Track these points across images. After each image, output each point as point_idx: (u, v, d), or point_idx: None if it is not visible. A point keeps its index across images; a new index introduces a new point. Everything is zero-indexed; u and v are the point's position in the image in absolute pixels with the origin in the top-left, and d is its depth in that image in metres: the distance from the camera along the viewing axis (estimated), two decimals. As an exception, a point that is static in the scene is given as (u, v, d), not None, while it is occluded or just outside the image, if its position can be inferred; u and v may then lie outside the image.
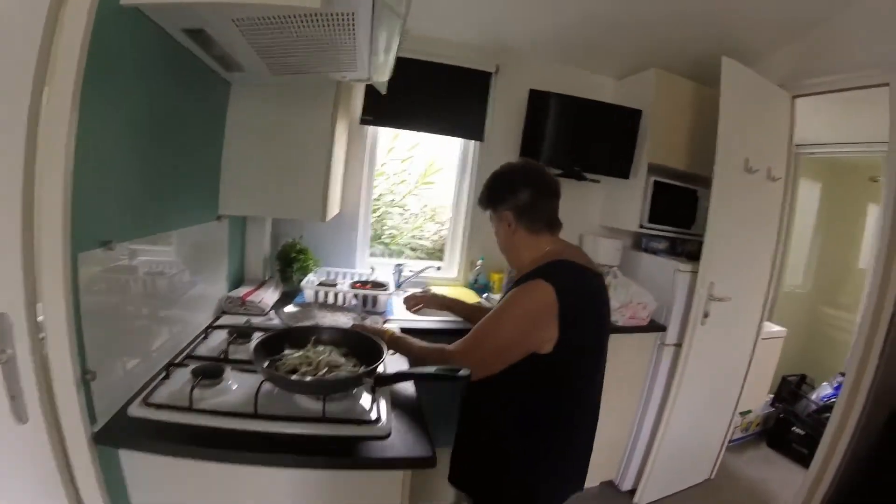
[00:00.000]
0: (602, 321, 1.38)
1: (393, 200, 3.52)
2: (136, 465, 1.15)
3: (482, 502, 1.38)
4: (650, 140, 2.63)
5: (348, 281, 2.51)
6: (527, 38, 2.69)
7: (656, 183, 2.67)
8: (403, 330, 1.87)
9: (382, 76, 1.76)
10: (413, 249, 3.52)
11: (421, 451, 1.18)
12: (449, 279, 3.01)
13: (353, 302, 2.25)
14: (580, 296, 1.27)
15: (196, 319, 1.76)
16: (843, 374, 3.26)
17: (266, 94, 1.87)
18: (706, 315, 2.44)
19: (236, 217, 2.13)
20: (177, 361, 1.42)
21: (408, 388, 1.48)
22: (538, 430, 1.28)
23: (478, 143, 2.85)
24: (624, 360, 2.42)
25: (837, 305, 3.81)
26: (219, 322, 1.85)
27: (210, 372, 1.32)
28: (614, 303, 2.36)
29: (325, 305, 2.15)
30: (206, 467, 1.13)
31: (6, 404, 0.91)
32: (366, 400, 1.34)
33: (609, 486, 2.77)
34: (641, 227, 2.71)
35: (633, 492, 2.66)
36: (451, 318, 2.10)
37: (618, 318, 2.39)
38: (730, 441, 2.99)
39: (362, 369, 1.34)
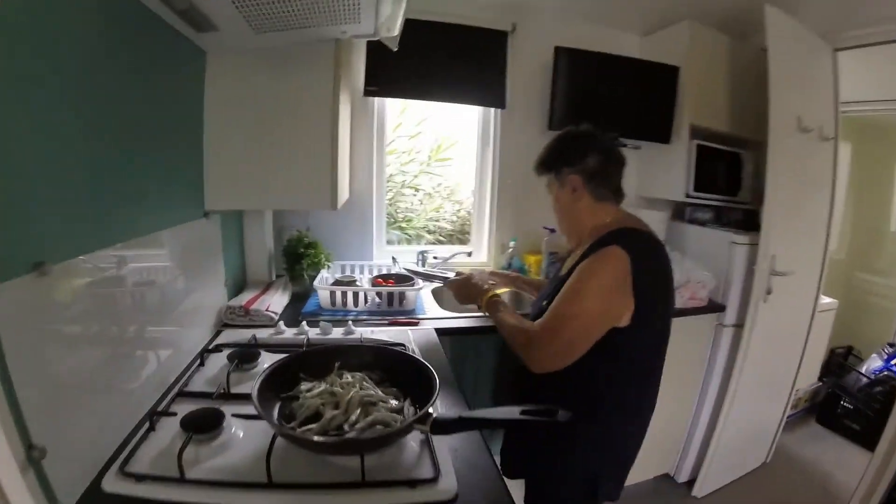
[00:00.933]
0: (672, 295, 1.30)
1: (404, 181, 3.17)
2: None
3: (541, 489, 1.27)
4: (689, 100, 2.37)
5: (368, 276, 2.17)
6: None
7: (699, 147, 2.40)
8: (440, 331, 1.70)
9: (392, 30, 1.43)
10: (430, 232, 3.20)
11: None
12: (478, 263, 2.69)
13: (378, 301, 1.92)
14: (653, 264, 1.20)
15: (190, 340, 1.44)
16: (891, 345, 3.18)
17: (251, 63, 1.51)
18: (769, 292, 2.19)
19: (230, 212, 1.79)
20: (161, 409, 1.09)
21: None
22: (608, 412, 1.22)
23: (499, 110, 2.54)
24: (680, 345, 2.09)
25: (874, 271, 3.65)
26: (218, 341, 1.52)
27: (205, 421, 0.99)
28: None
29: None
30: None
31: None
32: (414, 444, 1.01)
33: (665, 478, 2.60)
34: (687, 196, 2.44)
35: (690, 483, 2.50)
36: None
37: (676, 299, 2.08)
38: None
39: (407, 407, 1.02)
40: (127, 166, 1.08)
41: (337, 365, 1.12)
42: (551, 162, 1.34)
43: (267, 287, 1.92)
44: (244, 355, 1.31)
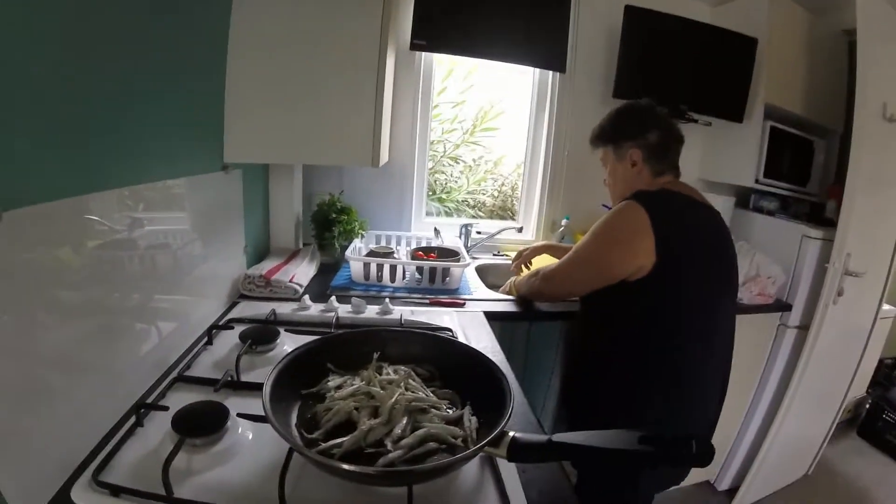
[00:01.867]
0: (722, 260, 1.26)
1: (445, 151, 2.90)
2: None
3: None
4: (765, 77, 2.12)
5: (407, 248, 1.91)
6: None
7: (773, 129, 2.18)
8: (489, 315, 1.51)
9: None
10: (471, 206, 2.92)
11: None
12: (525, 241, 2.40)
13: (417, 277, 1.66)
14: (681, 221, 1.20)
15: (199, 312, 1.21)
16: None
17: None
18: (840, 293, 1.98)
19: (254, 167, 1.55)
20: (151, 400, 0.86)
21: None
22: (650, 380, 1.18)
23: (557, 75, 2.25)
24: (737, 343, 1.91)
25: None
26: (231, 314, 1.29)
27: (203, 420, 0.75)
28: None
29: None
30: None
31: None
32: (472, 464, 0.76)
33: (705, 485, 2.44)
34: (757, 181, 2.21)
35: (730, 492, 2.34)
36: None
37: (743, 295, 1.96)
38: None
39: (468, 416, 0.76)
40: (127, 101, 0.85)
41: (376, 356, 0.87)
42: (611, 134, 1.35)
43: (292, 256, 1.68)
44: (260, 334, 1.07)
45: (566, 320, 1.60)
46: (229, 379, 0.92)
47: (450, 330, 1.26)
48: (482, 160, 3.01)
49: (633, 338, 1.19)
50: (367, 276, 1.64)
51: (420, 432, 0.70)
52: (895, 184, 2.16)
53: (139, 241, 0.93)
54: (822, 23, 2.24)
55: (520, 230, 2.26)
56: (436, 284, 1.68)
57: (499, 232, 2.20)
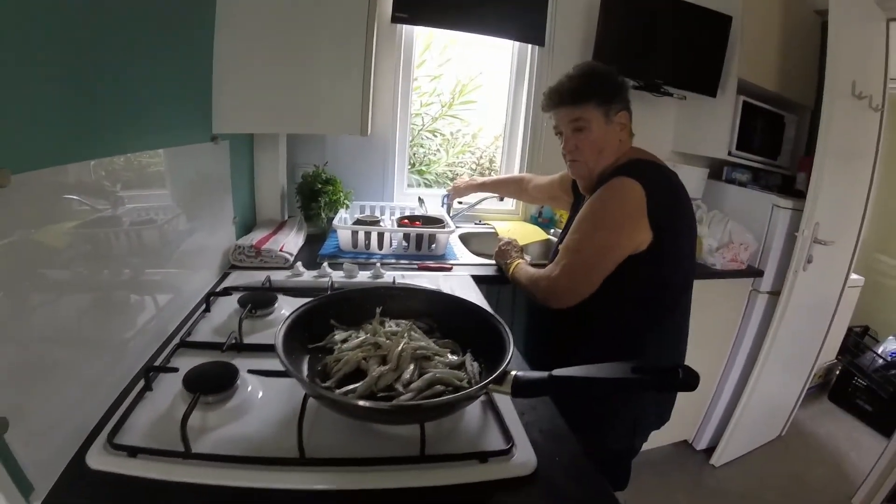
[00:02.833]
0: (693, 219, 1.27)
1: (423, 125, 2.90)
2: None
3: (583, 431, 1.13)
4: (739, 53, 2.18)
5: (392, 217, 1.93)
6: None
7: (746, 104, 2.25)
8: (475, 278, 1.55)
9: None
10: (450, 179, 2.94)
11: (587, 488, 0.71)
12: (505, 212, 2.44)
13: (404, 244, 1.69)
14: (668, 191, 1.18)
15: (193, 282, 1.22)
16: None
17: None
18: (809, 261, 2.08)
19: (239, 138, 1.55)
20: (159, 363, 0.87)
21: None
22: (645, 343, 1.20)
23: (536, 49, 2.25)
24: (711, 308, 2.02)
25: (891, 253, 3.52)
26: (226, 283, 1.30)
27: (215, 379, 0.77)
28: (711, 241, 2.07)
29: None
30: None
31: None
32: (475, 407, 0.80)
33: (683, 445, 2.54)
34: (730, 154, 2.30)
35: (707, 451, 2.45)
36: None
37: (717, 260, 2.05)
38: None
39: (470, 362, 0.80)
40: (114, 70, 0.84)
41: (379, 310, 0.90)
42: (601, 93, 1.20)
43: (279, 226, 1.68)
44: (258, 299, 1.09)
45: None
46: (234, 341, 0.94)
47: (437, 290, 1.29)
48: (459, 133, 3.02)
49: (633, 301, 1.19)
50: (354, 245, 1.66)
51: (427, 376, 0.74)
52: (862, 156, 2.26)
53: (132, 214, 0.93)
54: (796, 2, 2.29)
55: (500, 199, 2.29)
56: (422, 251, 1.70)
57: (479, 202, 2.22)
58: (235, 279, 1.33)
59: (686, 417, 2.43)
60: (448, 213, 2.04)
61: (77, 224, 0.76)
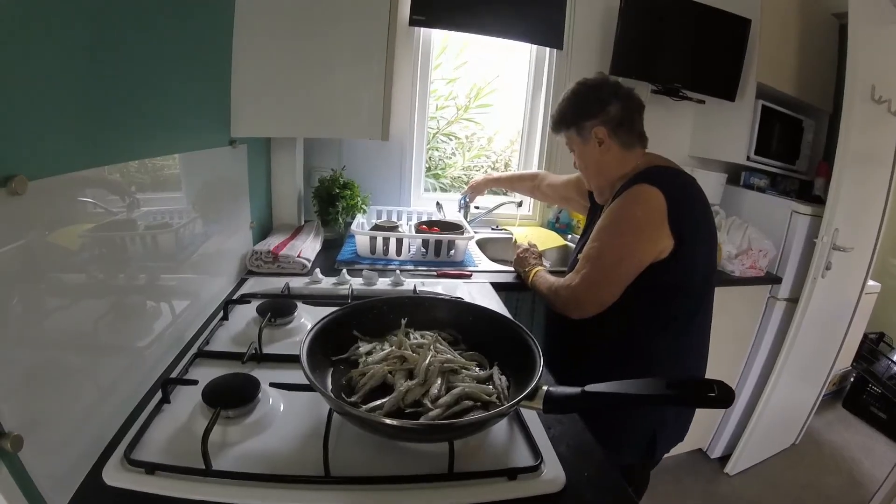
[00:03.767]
0: (714, 232, 1.26)
1: (439, 128, 2.88)
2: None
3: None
4: (758, 56, 2.15)
5: (409, 222, 1.90)
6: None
7: (765, 108, 2.23)
8: (494, 285, 1.53)
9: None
10: (466, 183, 2.90)
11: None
12: (522, 217, 2.41)
13: (423, 250, 1.66)
14: (689, 197, 1.18)
15: (210, 289, 1.20)
16: None
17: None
18: (828, 267, 2.05)
19: (257, 142, 1.54)
20: (176, 375, 0.85)
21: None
22: (665, 355, 1.19)
23: (554, 52, 2.23)
24: (729, 314, 1.96)
25: None
26: (243, 290, 1.28)
27: (235, 392, 0.74)
28: (730, 248, 2.05)
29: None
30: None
31: None
32: (502, 423, 0.77)
33: (698, 453, 2.51)
34: (748, 158, 2.27)
35: (722, 459, 2.44)
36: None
37: (735, 267, 2.04)
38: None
39: (497, 375, 0.77)
40: (132, 74, 0.82)
41: (404, 321, 0.87)
42: (571, 117, 1.27)
43: (296, 232, 1.66)
44: (278, 307, 1.06)
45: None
46: (254, 351, 0.91)
47: (462, 299, 1.26)
48: (475, 137, 3.00)
49: (654, 309, 1.18)
50: (373, 250, 1.64)
51: (456, 391, 0.71)
52: (883, 162, 2.22)
53: (148, 217, 0.91)
54: (814, 5, 2.26)
55: (519, 204, 2.26)
56: (441, 257, 1.67)
57: (497, 207, 2.19)
58: (253, 286, 1.31)
59: (701, 426, 2.37)
60: (465, 215, 2.01)
61: (92, 227, 0.74)
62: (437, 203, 2.07)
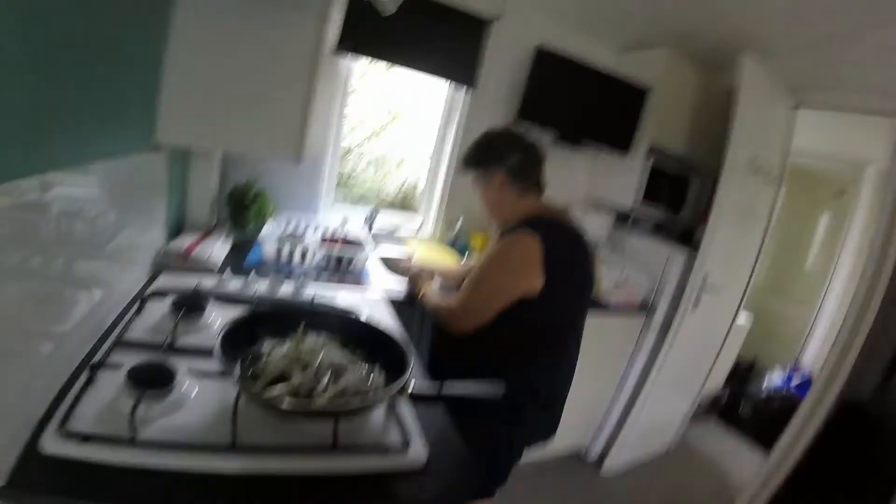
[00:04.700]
0: (587, 279, 1.48)
1: (350, 147, 3.04)
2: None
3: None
4: (653, 121, 2.51)
5: (315, 234, 2.06)
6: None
7: (654, 165, 2.56)
8: (388, 299, 1.71)
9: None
10: (375, 197, 3.09)
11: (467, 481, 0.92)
12: (422, 235, 2.65)
13: (325, 263, 1.84)
14: (563, 247, 1.38)
15: (124, 281, 1.30)
16: (794, 369, 3.65)
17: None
18: (696, 304, 2.43)
19: (178, 149, 1.63)
20: (100, 359, 0.98)
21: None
22: (521, 379, 1.33)
23: (466, 93, 2.49)
24: (607, 338, 2.42)
25: (786, 299, 4.13)
26: (157, 285, 1.39)
27: (155, 376, 0.90)
28: (608, 281, 2.37)
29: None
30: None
31: None
32: (380, 410, 0.99)
33: (575, 458, 2.78)
34: (634, 205, 2.61)
35: (597, 463, 2.71)
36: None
37: (610, 297, 2.37)
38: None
39: (377, 373, 0.99)
40: (68, 86, 0.89)
41: (302, 325, 1.06)
42: (477, 160, 1.49)
43: (207, 233, 1.77)
44: (192, 303, 1.21)
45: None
46: (169, 343, 1.06)
47: (357, 311, 1.44)
48: (385, 158, 3.18)
49: (521, 333, 1.37)
50: (279, 258, 1.80)
51: (341, 382, 0.92)
52: (756, 219, 2.66)
53: (74, 209, 0.98)
54: (711, 80, 2.62)
55: (418, 228, 2.49)
56: (341, 270, 1.87)
57: (396, 230, 2.42)
58: (165, 282, 1.42)
59: (578, 430, 2.69)
60: (370, 229, 2.20)
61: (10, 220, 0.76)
62: (344, 217, 2.25)
